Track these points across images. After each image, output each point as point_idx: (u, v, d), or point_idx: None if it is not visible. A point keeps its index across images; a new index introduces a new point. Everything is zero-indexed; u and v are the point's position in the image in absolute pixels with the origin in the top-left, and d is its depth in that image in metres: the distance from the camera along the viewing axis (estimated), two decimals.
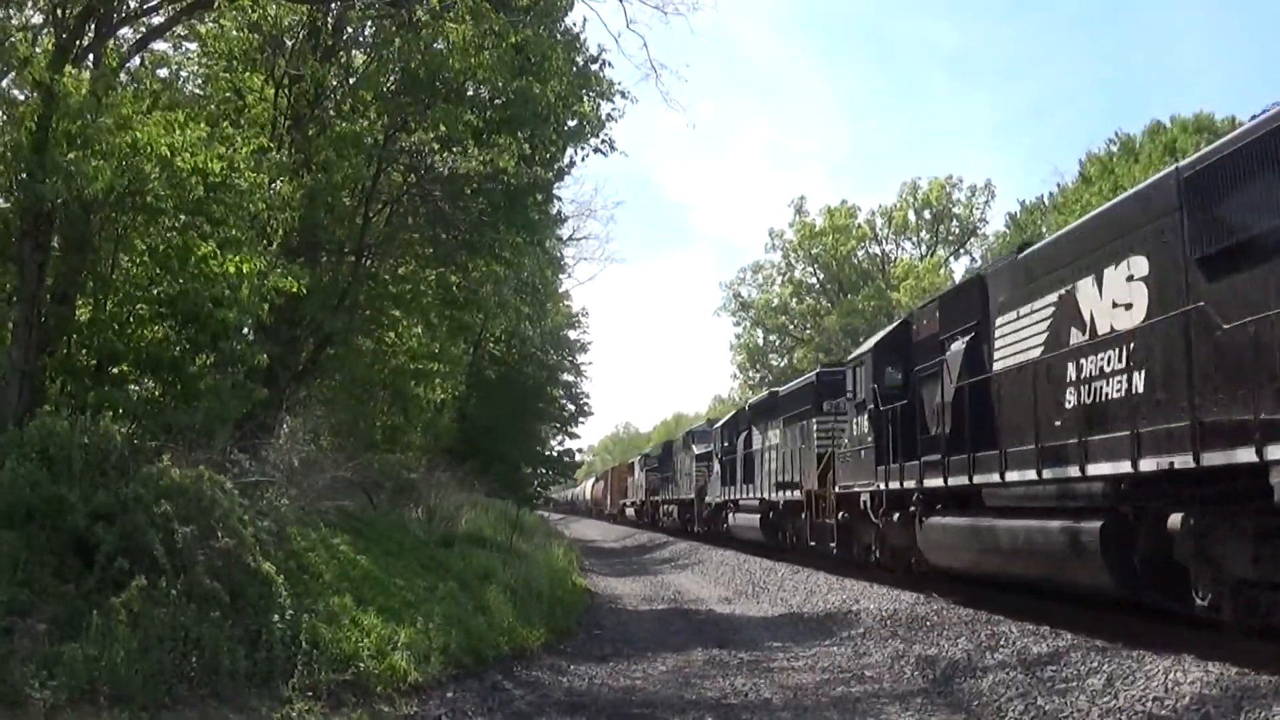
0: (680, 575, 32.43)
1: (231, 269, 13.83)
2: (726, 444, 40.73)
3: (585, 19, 37.63)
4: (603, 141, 26.43)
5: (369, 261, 22.28)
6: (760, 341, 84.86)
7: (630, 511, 70.88)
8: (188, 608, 9.41)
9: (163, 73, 20.27)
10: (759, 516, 33.57)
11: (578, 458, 78.12)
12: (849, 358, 26.80)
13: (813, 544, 27.09)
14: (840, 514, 24.52)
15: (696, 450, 47.53)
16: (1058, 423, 14.28)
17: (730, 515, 38.57)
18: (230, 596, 9.89)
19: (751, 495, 35.37)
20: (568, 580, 23.92)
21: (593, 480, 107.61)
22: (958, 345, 18.27)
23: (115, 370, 14.04)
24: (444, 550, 18.77)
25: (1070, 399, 14.09)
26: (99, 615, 8.69)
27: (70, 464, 10.18)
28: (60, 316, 13.42)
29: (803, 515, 28.22)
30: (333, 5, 19.77)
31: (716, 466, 42.40)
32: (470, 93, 22.17)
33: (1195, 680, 10.39)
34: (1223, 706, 9.49)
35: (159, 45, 19.40)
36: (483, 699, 11.93)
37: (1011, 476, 15.33)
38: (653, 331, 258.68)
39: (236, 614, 9.88)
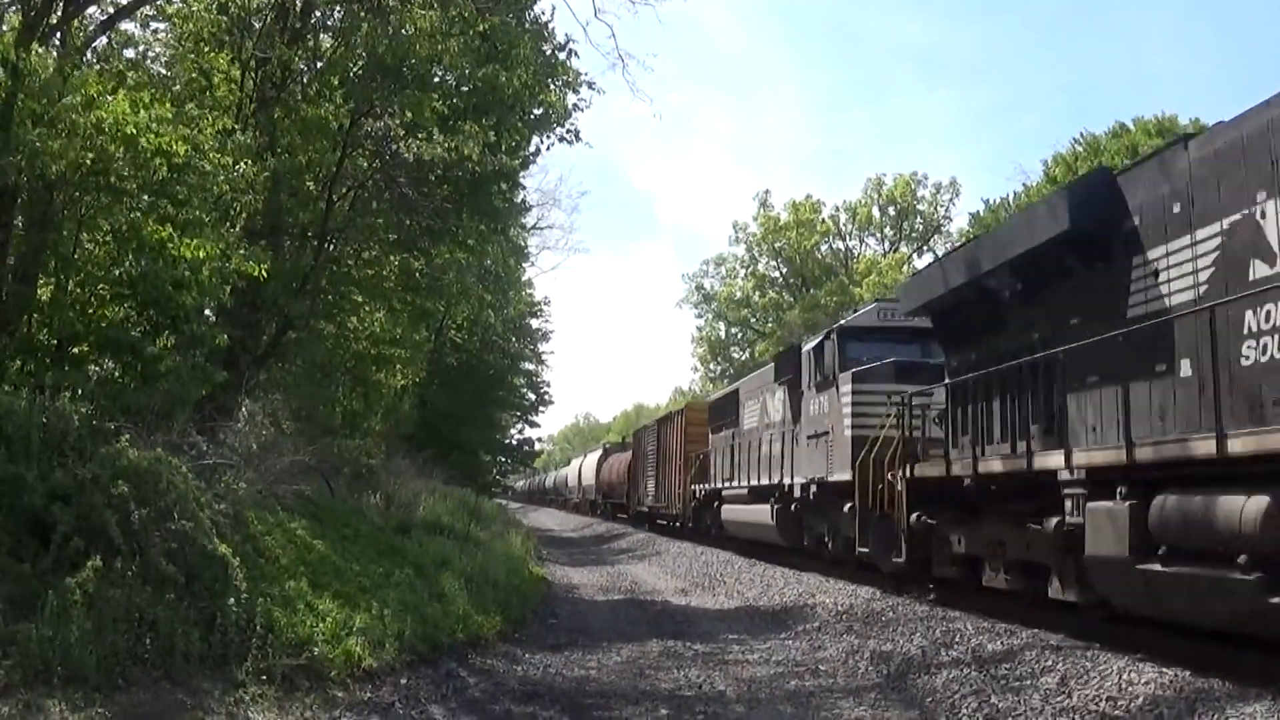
0: (637, 566, 32.46)
1: (188, 253, 13.73)
2: None
3: (554, 6, 37.79)
4: (568, 131, 26.51)
5: (332, 246, 22.22)
6: (722, 334, 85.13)
7: (735, 513, 31.42)
8: (143, 589, 9.40)
9: (129, 53, 20.23)
10: None
11: (537, 446, 78.23)
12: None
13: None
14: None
15: None
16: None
17: None
18: (186, 579, 9.87)
19: None
20: (524, 569, 23.95)
21: (597, 454, 70.59)
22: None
23: (75, 350, 13.98)
24: (401, 537, 18.75)
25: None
26: (54, 595, 8.66)
27: (28, 443, 10.13)
28: (21, 295, 13.32)
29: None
30: None
31: None
32: (437, 79, 22.17)
33: (1149, 681, 10.49)
34: (1176, 708, 9.57)
35: (126, 25, 19.35)
36: (437, 686, 11.91)
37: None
38: (614, 322, 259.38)
39: (192, 597, 9.85)
